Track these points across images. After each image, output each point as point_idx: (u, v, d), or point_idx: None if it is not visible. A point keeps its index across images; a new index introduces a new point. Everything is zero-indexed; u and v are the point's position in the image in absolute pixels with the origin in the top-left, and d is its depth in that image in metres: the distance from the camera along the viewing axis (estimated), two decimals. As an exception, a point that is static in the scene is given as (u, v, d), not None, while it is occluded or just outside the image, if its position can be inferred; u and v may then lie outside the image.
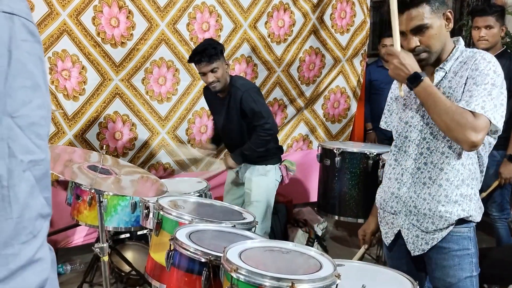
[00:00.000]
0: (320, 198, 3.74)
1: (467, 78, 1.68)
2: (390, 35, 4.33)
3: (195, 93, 3.67)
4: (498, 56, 2.74)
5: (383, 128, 2.07)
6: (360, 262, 1.95)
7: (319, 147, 3.65)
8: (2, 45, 0.63)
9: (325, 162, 3.64)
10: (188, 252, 1.67)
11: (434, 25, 1.70)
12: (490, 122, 1.61)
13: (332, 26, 4.10)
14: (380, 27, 5.70)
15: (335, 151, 3.52)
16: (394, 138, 1.94)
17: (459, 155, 1.74)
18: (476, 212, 1.79)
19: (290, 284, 1.34)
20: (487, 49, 3.07)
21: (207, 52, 2.81)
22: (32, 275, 0.64)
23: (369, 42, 4.38)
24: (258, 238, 1.81)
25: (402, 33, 1.74)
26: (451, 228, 1.77)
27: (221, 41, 3.65)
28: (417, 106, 1.83)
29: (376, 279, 1.70)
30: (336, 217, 3.64)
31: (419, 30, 1.70)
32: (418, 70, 1.68)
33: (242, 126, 2.96)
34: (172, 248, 1.74)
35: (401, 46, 1.76)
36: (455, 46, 1.79)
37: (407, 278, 1.70)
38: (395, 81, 2.01)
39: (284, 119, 4.18)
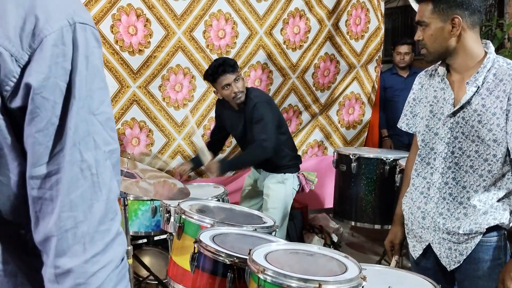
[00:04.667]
0: (336, 204, 3.74)
1: (510, 105, 1.61)
2: (404, 42, 4.40)
3: (210, 99, 3.70)
4: None
5: (403, 129, 1.98)
6: (382, 266, 1.95)
7: (335, 153, 3.66)
8: (81, 53, 0.73)
9: (341, 168, 3.64)
10: (213, 255, 1.68)
11: (432, 26, 1.68)
12: None
13: (347, 33, 4.12)
14: (393, 34, 5.72)
15: (351, 157, 3.53)
16: (419, 146, 1.86)
17: (493, 174, 1.68)
18: (506, 219, 1.72)
19: (317, 285, 1.34)
20: None
21: (228, 62, 2.88)
22: (119, 246, 0.77)
23: (382, 49, 4.38)
24: (281, 241, 1.82)
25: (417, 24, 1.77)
26: (480, 236, 1.72)
27: (236, 48, 3.70)
28: (445, 117, 1.75)
29: (400, 282, 1.70)
30: (353, 223, 3.64)
31: (420, 25, 1.73)
32: None
33: (254, 139, 2.97)
34: (196, 250, 1.75)
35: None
36: (485, 55, 1.70)
37: (431, 283, 1.70)
38: (416, 81, 1.96)
39: (299, 125, 4.19)
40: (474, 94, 1.68)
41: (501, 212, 1.71)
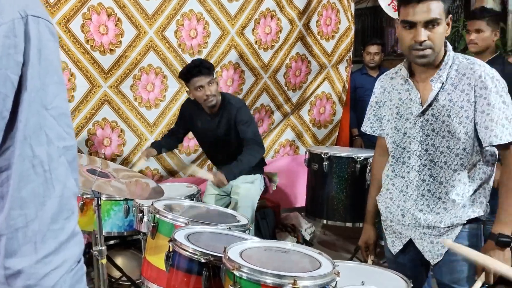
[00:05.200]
0: (308, 202, 3.78)
1: (476, 96, 1.67)
2: (373, 42, 4.48)
3: (182, 99, 3.69)
4: (491, 62, 2.73)
5: (367, 132, 2.03)
6: (354, 263, 1.99)
7: (307, 152, 3.70)
8: (34, 45, 0.71)
9: (313, 167, 3.69)
10: (188, 253, 1.69)
11: (443, 24, 1.68)
12: None
13: (318, 33, 4.17)
14: (363, 34, 5.81)
15: (323, 156, 3.57)
16: (390, 148, 1.89)
17: (465, 167, 1.73)
18: (485, 211, 1.78)
19: (292, 281, 1.37)
20: (477, 53, 3.10)
21: (205, 65, 2.90)
22: (74, 246, 0.74)
23: (353, 49, 4.46)
24: (255, 239, 1.84)
25: (410, 24, 1.69)
26: (460, 227, 1.77)
27: (208, 48, 3.70)
28: (415, 117, 1.80)
29: (373, 277, 1.74)
30: (324, 221, 3.69)
31: (432, 24, 1.67)
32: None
33: (238, 142, 3.00)
34: (171, 249, 1.75)
35: (403, 39, 1.72)
36: (445, 53, 1.76)
37: (402, 278, 1.74)
38: (377, 85, 1.98)
39: (271, 125, 4.22)
40: (440, 90, 1.74)
41: (479, 205, 1.78)
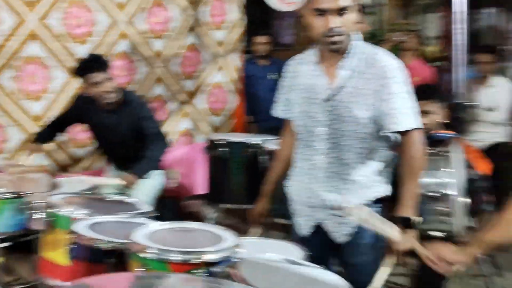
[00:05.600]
0: (209, 189, 3.85)
1: (379, 85, 1.77)
2: (263, 33, 4.63)
3: (72, 91, 3.53)
4: None
5: (278, 116, 2.06)
6: (259, 238, 2.09)
7: (206, 139, 3.78)
8: None
9: (212, 154, 3.77)
10: (91, 242, 1.66)
11: (354, 11, 1.74)
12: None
13: (210, 23, 4.23)
14: (253, 25, 5.97)
15: (221, 142, 3.67)
16: (298, 131, 1.95)
17: (368, 150, 1.84)
18: (387, 191, 1.90)
19: (198, 256, 1.42)
20: None
21: (101, 60, 2.81)
22: None
23: (244, 39, 4.58)
24: (159, 222, 1.85)
25: (322, 12, 1.73)
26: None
27: (97, 37, 3.58)
28: (321, 101, 1.85)
29: (273, 248, 1.83)
30: (226, 206, 3.78)
31: (343, 11, 1.71)
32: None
33: (139, 138, 2.95)
34: (72, 242, 1.71)
35: (314, 26, 1.76)
36: (351, 41, 1.82)
37: (302, 249, 1.83)
38: (287, 69, 2.02)
39: (167, 115, 4.20)
40: (346, 78, 1.82)
41: (383, 185, 1.89)
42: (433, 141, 2.41)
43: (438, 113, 2.58)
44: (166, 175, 3.30)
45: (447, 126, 2.88)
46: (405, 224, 1.76)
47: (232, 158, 3.72)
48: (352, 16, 1.76)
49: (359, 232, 1.86)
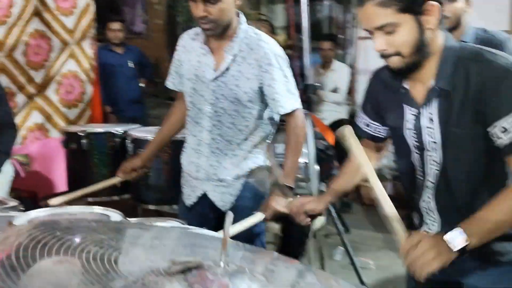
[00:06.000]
0: (70, 184, 3.64)
1: (262, 71, 1.89)
2: (115, 19, 4.50)
3: None
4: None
5: (169, 87, 2.12)
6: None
7: (62, 132, 3.55)
8: None
9: (71, 147, 3.56)
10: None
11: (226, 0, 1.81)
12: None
13: (56, 8, 3.96)
14: (102, 11, 5.73)
15: (81, 134, 3.50)
16: (188, 107, 2.03)
17: (249, 128, 1.98)
18: (263, 161, 2.05)
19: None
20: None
21: None
22: None
23: (95, 26, 4.39)
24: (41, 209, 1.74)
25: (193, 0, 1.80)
26: (244, 178, 2.01)
27: None
28: (208, 81, 1.95)
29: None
30: (90, 199, 3.61)
31: (209, 0, 1.78)
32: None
33: None
34: None
35: (192, 10, 1.81)
36: (238, 25, 1.92)
37: (179, 222, 1.87)
38: (180, 43, 2.05)
39: (14, 109, 3.83)
40: (231, 61, 1.92)
41: (258, 156, 2.05)
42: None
43: None
44: (17, 162, 3.04)
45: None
46: (284, 191, 1.94)
47: (95, 150, 3.57)
48: (223, 5, 1.81)
49: (240, 199, 2.02)
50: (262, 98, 1.98)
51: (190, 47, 2.03)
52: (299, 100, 2.03)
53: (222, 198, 2.04)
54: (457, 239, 1.18)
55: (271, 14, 5.88)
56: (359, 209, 4.62)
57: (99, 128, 3.61)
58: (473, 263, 1.33)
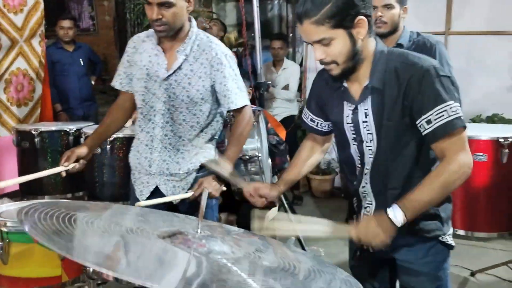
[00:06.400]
0: (21, 184, 3.59)
1: (213, 70, 1.98)
2: (66, 17, 4.46)
3: None
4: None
5: (116, 87, 2.15)
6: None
7: (14, 131, 3.51)
8: None
9: (24, 145, 3.53)
10: None
11: (178, 5, 1.91)
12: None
13: (4, 6, 3.89)
14: (53, 8, 5.63)
15: (33, 132, 3.47)
16: (139, 105, 2.08)
17: (200, 124, 2.06)
18: (213, 156, 2.13)
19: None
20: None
21: None
22: None
23: (45, 23, 4.33)
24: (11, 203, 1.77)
25: (146, 2, 1.89)
26: (195, 172, 2.10)
27: None
28: (161, 80, 2.00)
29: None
30: (46, 198, 3.59)
31: (164, 5, 1.87)
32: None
33: None
34: None
35: (147, 12, 1.89)
36: (190, 28, 2.02)
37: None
38: (130, 44, 2.10)
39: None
40: (183, 61, 2.01)
41: (208, 151, 2.13)
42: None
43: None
44: None
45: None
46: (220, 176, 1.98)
47: (48, 148, 3.56)
48: (175, 9, 1.91)
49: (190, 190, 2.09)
50: (214, 95, 2.09)
51: (141, 49, 2.10)
52: (247, 97, 2.17)
53: (174, 192, 2.09)
54: (398, 215, 1.37)
55: (222, 12, 5.99)
56: (311, 201, 4.81)
57: (52, 126, 3.59)
58: (404, 240, 1.53)
